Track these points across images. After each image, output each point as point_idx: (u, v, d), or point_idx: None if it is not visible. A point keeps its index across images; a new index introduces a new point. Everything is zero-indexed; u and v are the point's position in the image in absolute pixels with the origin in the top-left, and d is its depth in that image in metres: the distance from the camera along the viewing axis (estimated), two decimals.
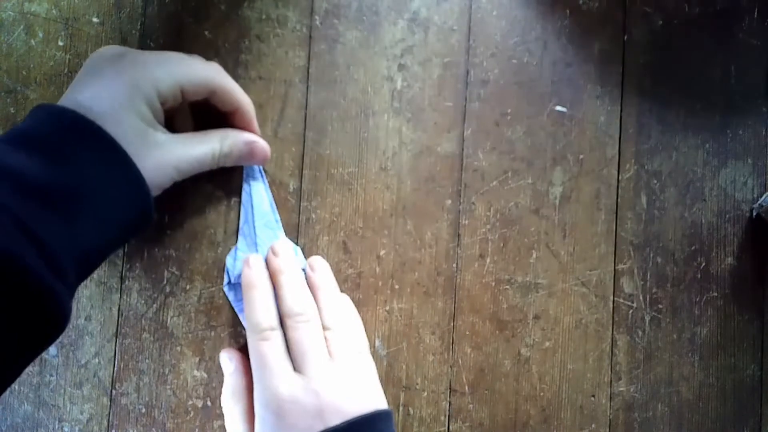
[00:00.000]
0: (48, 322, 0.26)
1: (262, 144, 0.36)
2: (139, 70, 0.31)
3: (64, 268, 0.27)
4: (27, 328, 0.26)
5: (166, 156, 0.31)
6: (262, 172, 0.38)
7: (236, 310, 0.37)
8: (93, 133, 0.29)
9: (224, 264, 0.38)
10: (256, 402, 0.33)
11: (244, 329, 0.38)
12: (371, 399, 0.33)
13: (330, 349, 0.33)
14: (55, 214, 0.27)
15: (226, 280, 0.37)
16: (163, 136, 0.32)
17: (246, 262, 0.35)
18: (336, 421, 0.31)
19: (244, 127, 0.36)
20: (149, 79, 0.30)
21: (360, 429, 0.31)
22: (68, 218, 0.27)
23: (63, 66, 0.38)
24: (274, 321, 0.34)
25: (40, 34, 0.39)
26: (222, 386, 0.37)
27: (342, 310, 0.36)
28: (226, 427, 0.35)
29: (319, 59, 0.39)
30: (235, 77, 0.39)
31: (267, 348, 0.33)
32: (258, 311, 0.34)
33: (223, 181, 0.38)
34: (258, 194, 0.37)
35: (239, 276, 0.36)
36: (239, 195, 0.38)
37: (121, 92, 0.30)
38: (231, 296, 0.37)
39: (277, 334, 0.34)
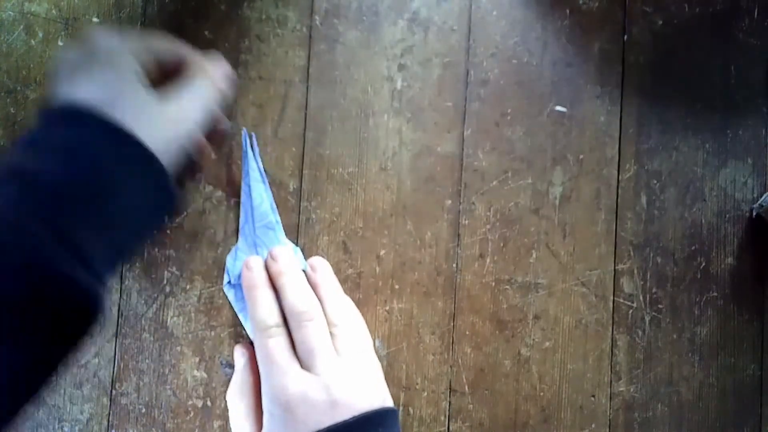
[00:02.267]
0: (79, 313, 0.26)
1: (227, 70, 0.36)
2: (114, 45, 0.31)
3: (94, 266, 0.27)
4: (60, 321, 0.26)
5: (174, 122, 0.31)
6: (263, 172, 0.38)
7: (236, 309, 0.37)
8: (108, 129, 0.28)
9: (224, 264, 0.38)
10: (264, 398, 0.33)
11: (244, 329, 0.38)
12: (379, 395, 0.33)
13: (336, 346, 0.33)
14: (80, 212, 0.27)
15: (226, 279, 0.37)
16: (159, 104, 0.31)
17: (245, 265, 0.35)
18: (346, 416, 0.31)
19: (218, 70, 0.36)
20: (125, 48, 0.31)
21: (369, 424, 0.31)
22: (97, 217, 0.27)
23: None
24: (279, 318, 0.34)
25: (40, 34, 0.39)
26: (223, 385, 0.37)
27: (346, 307, 0.36)
28: (231, 423, 0.35)
29: (319, 59, 0.39)
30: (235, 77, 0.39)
31: (273, 345, 0.33)
32: (262, 309, 0.34)
33: (224, 182, 0.38)
34: (258, 194, 0.37)
35: (239, 276, 0.37)
36: (239, 195, 0.38)
37: (112, 72, 0.30)
38: (231, 296, 0.37)
39: (282, 331, 0.34)
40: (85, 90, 0.29)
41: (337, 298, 0.36)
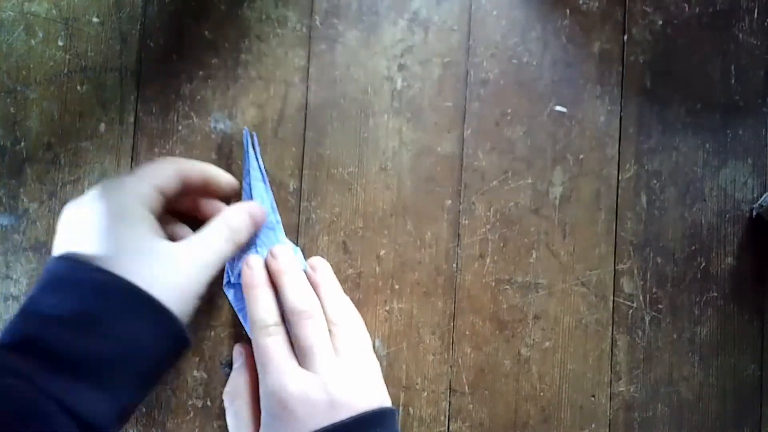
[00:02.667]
0: None
1: (256, 204, 0.36)
2: (119, 190, 0.30)
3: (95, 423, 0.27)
4: None
5: (183, 273, 0.30)
6: (264, 172, 0.38)
7: (236, 309, 0.37)
8: (128, 292, 0.28)
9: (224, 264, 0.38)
10: (262, 397, 0.33)
11: (243, 329, 0.38)
12: (378, 395, 0.33)
13: (335, 345, 0.33)
14: (92, 384, 0.27)
15: (225, 279, 0.37)
16: (169, 252, 0.30)
17: (246, 263, 0.35)
18: (344, 416, 0.31)
19: (222, 185, 0.36)
20: (132, 195, 0.30)
21: (368, 424, 0.31)
22: (107, 386, 0.27)
23: (63, 66, 0.38)
24: (278, 317, 0.34)
25: (40, 34, 0.39)
26: (223, 385, 0.37)
27: (345, 307, 0.36)
28: (228, 424, 0.35)
29: (319, 59, 0.39)
30: (235, 77, 0.39)
31: (272, 343, 0.33)
32: (261, 308, 0.34)
33: None
34: (259, 194, 0.37)
35: (239, 275, 0.37)
36: (240, 196, 0.38)
37: (116, 217, 0.29)
38: (230, 295, 0.37)
39: (281, 330, 0.34)
40: (93, 246, 0.29)
41: (337, 297, 0.36)
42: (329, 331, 0.34)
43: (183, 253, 0.31)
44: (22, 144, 0.38)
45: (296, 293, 0.34)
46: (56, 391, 0.25)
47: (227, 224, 0.33)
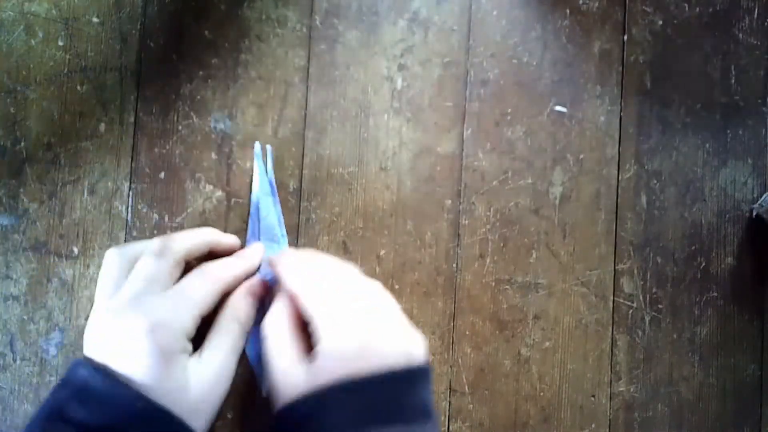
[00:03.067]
0: None
1: (256, 281, 0.36)
2: (168, 329, 0.31)
3: None
4: None
5: (207, 385, 0.32)
6: (274, 186, 0.38)
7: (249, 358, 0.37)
8: (158, 418, 0.29)
9: None
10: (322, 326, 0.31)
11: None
12: (407, 335, 0.32)
13: (348, 301, 0.33)
14: None
15: None
16: (197, 370, 0.32)
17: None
18: (375, 363, 0.30)
19: (226, 251, 0.36)
20: (180, 332, 0.31)
21: (399, 380, 0.30)
22: None
23: (63, 66, 0.38)
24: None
25: (40, 34, 0.39)
26: None
27: (338, 265, 0.35)
28: (268, 349, 0.33)
29: (319, 59, 0.39)
30: (235, 77, 0.39)
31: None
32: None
33: (224, 182, 0.38)
34: (265, 207, 0.37)
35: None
36: (240, 195, 0.38)
37: (162, 359, 0.30)
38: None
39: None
40: (133, 369, 0.30)
41: (320, 260, 0.35)
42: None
43: (209, 373, 0.32)
44: (22, 144, 0.38)
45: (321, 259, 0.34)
46: None
47: (237, 320, 0.34)
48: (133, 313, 0.31)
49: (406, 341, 0.31)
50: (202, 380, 0.31)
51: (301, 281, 0.33)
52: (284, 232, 0.38)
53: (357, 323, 0.31)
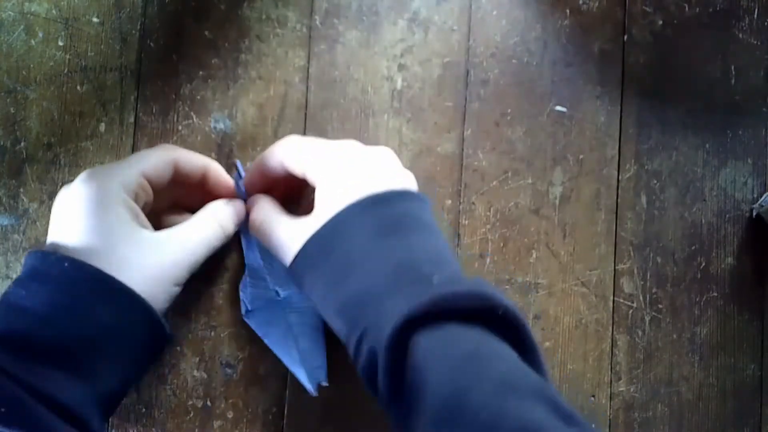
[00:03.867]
0: None
1: (239, 204, 0.35)
2: (102, 174, 0.30)
3: (86, 420, 0.27)
4: None
5: (166, 257, 0.30)
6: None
7: (261, 335, 0.37)
8: (97, 280, 0.28)
9: (238, 293, 0.37)
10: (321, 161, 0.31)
11: (244, 329, 0.38)
12: (404, 175, 0.33)
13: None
14: (68, 372, 0.27)
15: (243, 309, 0.37)
16: (152, 237, 0.30)
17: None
18: (381, 187, 0.30)
19: (221, 183, 0.36)
20: (115, 180, 0.30)
21: (403, 197, 0.31)
22: (83, 373, 0.27)
23: (63, 66, 0.38)
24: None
25: (40, 34, 0.39)
26: (223, 385, 0.37)
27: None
28: (267, 227, 0.33)
29: (319, 59, 0.39)
30: (235, 77, 0.39)
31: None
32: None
33: None
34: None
35: (253, 302, 0.37)
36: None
37: (97, 202, 0.29)
38: (252, 324, 0.37)
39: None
40: (72, 235, 0.29)
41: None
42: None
43: (163, 240, 0.31)
44: (22, 144, 0.38)
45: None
46: (32, 381, 0.25)
47: (215, 216, 0.33)
48: (77, 179, 0.31)
49: (403, 174, 0.32)
50: (153, 253, 0.30)
51: (289, 144, 0.33)
52: None
53: (352, 165, 0.31)
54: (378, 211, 0.29)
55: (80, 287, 0.28)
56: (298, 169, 0.32)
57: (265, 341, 0.37)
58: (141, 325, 0.29)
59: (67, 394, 0.26)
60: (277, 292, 0.37)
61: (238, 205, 0.35)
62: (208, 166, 0.35)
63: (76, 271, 0.28)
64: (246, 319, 0.37)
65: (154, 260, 0.30)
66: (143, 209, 0.32)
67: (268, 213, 0.33)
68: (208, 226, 0.33)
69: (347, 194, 0.30)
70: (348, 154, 0.31)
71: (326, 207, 0.30)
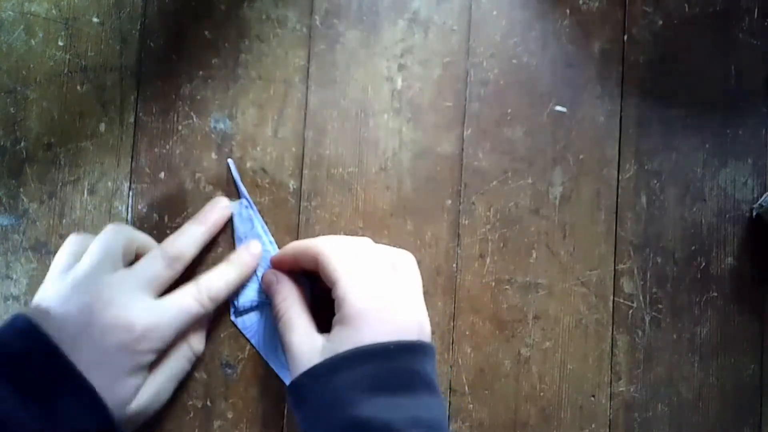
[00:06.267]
0: None
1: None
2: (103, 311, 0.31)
3: None
4: None
5: (143, 407, 0.33)
6: (250, 201, 0.38)
7: (247, 337, 0.37)
8: (61, 369, 0.30)
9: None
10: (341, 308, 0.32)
11: (243, 334, 0.38)
12: (420, 315, 0.34)
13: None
14: None
15: (232, 311, 0.37)
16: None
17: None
18: (391, 336, 0.31)
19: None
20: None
21: (411, 352, 0.31)
22: None
23: (63, 66, 0.38)
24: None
25: (40, 34, 0.39)
26: (223, 385, 0.37)
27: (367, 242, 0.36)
28: (281, 332, 0.34)
29: (319, 59, 0.39)
30: (235, 77, 0.39)
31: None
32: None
33: (224, 182, 0.38)
34: (245, 223, 0.37)
35: (243, 304, 0.37)
36: (239, 196, 0.38)
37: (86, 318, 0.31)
38: (240, 324, 0.37)
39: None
40: (63, 334, 0.30)
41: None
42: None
43: (148, 392, 0.33)
44: (22, 144, 0.38)
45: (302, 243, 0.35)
46: None
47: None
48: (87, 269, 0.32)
49: (420, 316, 0.33)
50: (141, 397, 0.32)
51: (329, 246, 0.33)
52: (272, 238, 0.38)
53: (380, 291, 0.32)
54: (381, 363, 0.30)
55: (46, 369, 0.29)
56: (329, 278, 0.33)
57: (252, 342, 0.37)
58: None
59: None
60: (266, 296, 0.37)
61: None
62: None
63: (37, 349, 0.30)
64: (234, 320, 0.37)
65: (136, 415, 0.33)
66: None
67: (289, 309, 0.34)
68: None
69: (362, 334, 0.30)
70: (377, 274, 0.32)
71: (340, 337, 0.31)
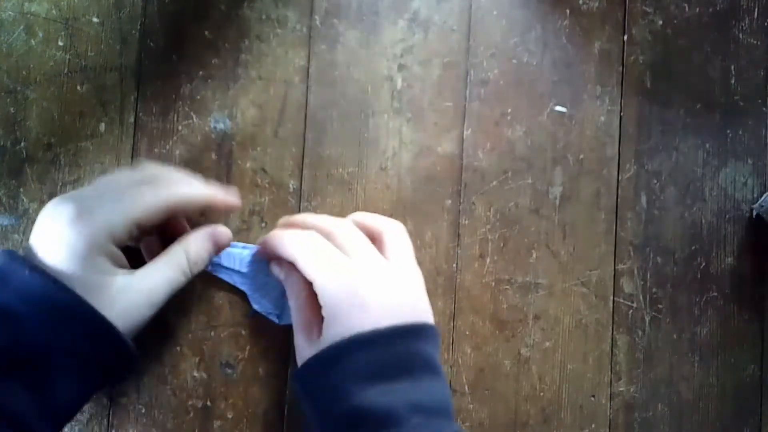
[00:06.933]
0: None
1: (221, 229, 0.35)
2: (92, 221, 0.30)
3: (35, 431, 0.27)
4: None
5: (134, 298, 0.30)
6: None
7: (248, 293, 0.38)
8: (62, 299, 0.28)
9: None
10: (326, 295, 0.32)
11: (244, 330, 0.38)
12: (422, 306, 0.34)
13: (382, 252, 0.34)
14: (20, 383, 0.27)
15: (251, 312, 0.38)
16: (124, 279, 0.30)
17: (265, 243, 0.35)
18: (386, 322, 0.31)
19: (225, 209, 0.36)
20: (103, 229, 0.30)
21: (408, 335, 0.31)
22: (35, 384, 0.27)
23: (63, 66, 0.38)
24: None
25: (40, 34, 0.39)
26: (223, 385, 0.37)
27: (386, 219, 0.36)
28: (294, 322, 0.34)
29: (319, 59, 0.39)
30: (235, 77, 0.39)
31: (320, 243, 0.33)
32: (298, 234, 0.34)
33: (224, 182, 0.38)
34: (229, 258, 0.37)
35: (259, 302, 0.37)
36: (240, 196, 0.38)
37: (81, 251, 0.29)
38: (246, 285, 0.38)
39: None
40: (55, 257, 0.29)
41: (375, 216, 0.36)
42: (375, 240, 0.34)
43: (136, 292, 0.30)
44: (22, 144, 0.38)
45: (325, 218, 0.35)
46: None
47: (185, 253, 0.33)
48: (66, 202, 0.30)
49: (409, 298, 0.33)
50: (127, 298, 0.30)
51: (303, 247, 0.33)
52: (252, 245, 0.37)
53: (356, 282, 0.31)
54: (375, 351, 0.30)
55: (45, 302, 0.28)
56: (308, 278, 0.32)
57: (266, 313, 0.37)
58: (99, 339, 0.29)
59: (17, 405, 0.26)
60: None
61: (215, 235, 0.34)
62: (210, 201, 0.34)
63: (36, 285, 0.28)
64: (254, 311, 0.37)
65: (123, 306, 0.30)
66: (129, 239, 0.31)
67: (293, 308, 0.34)
68: (177, 267, 0.32)
69: (347, 327, 0.31)
70: (354, 274, 0.32)
71: (325, 335, 0.31)
